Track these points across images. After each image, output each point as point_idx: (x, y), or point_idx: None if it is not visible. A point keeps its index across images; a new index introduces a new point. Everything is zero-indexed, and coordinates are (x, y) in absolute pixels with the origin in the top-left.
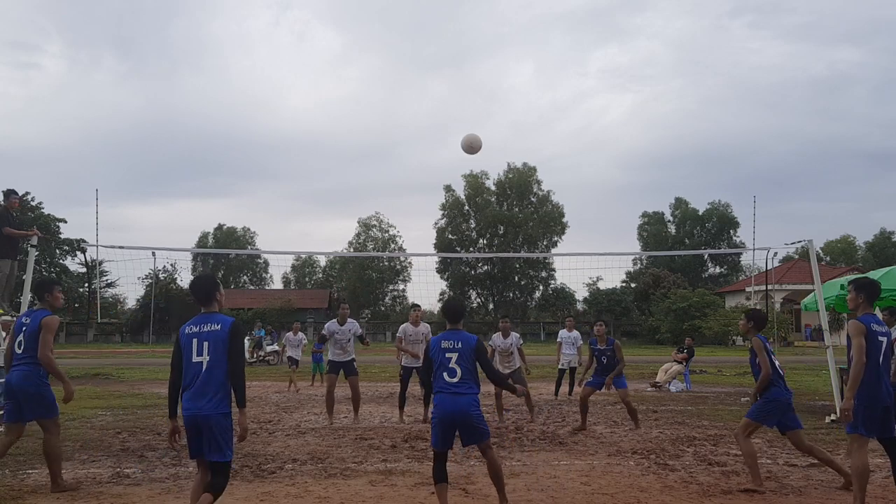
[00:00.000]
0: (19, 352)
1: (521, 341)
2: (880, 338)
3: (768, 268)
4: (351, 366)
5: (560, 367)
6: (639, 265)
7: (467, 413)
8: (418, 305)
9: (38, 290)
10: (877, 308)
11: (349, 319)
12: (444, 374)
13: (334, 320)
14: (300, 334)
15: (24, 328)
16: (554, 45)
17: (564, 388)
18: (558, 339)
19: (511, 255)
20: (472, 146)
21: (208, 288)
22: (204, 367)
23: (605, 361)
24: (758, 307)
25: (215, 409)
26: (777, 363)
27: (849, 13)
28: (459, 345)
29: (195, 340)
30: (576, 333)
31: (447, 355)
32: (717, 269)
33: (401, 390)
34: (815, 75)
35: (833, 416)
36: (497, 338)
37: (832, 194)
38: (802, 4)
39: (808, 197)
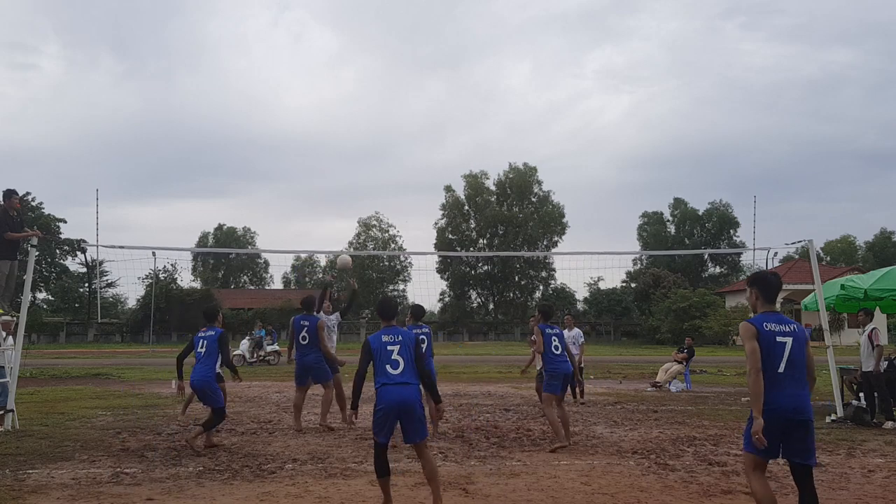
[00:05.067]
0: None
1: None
2: (779, 338)
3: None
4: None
5: None
6: (639, 265)
7: (411, 403)
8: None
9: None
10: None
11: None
12: (388, 367)
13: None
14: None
15: (204, 340)
16: (550, 47)
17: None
18: None
19: (509, 253)
20: (344, 265)
21: (213, 314)
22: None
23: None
24: None
25: (207, 377)
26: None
27: (841, 15)
28: (400, 338)
29: (202, 341)
30: (577, 331)
31: (388, 348)
32: (717, 269)
33: None
34: (809, 76)
35: (833, 416)
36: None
37: (831, 194)
38: (794, 6)
39: (808, 197)
